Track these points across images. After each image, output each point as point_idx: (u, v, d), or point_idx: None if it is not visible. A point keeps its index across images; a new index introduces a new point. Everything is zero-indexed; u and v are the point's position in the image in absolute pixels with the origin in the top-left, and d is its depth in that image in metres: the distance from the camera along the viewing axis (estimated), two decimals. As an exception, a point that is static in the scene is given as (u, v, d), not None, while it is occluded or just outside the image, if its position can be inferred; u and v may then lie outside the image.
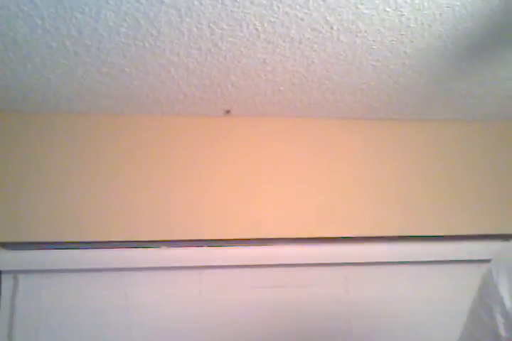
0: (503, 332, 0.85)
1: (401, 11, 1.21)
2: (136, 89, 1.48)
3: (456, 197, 1.73)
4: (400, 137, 1.78)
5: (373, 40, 1.31)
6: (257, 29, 1.24)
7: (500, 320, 0.85)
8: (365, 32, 1.28)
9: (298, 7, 1.17)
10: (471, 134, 1.82)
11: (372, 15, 1.21)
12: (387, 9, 1.19)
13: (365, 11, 1.20)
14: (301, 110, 1.68)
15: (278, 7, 1.16)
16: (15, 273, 1.50)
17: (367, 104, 1.66)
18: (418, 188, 1.72)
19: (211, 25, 1.21)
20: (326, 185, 1.68)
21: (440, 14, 1.23)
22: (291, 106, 1.65)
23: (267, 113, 1.69)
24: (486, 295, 0.89)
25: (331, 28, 1.25)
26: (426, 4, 1.19)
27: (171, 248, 1.54)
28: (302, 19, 1.21)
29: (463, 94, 1.63)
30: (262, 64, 1.39)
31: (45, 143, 1.58)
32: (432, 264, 1.66)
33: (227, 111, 1.67)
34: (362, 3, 1.17)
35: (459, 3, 1.19)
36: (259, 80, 1.47)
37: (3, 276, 1.50)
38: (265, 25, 1.22)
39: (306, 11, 1.18)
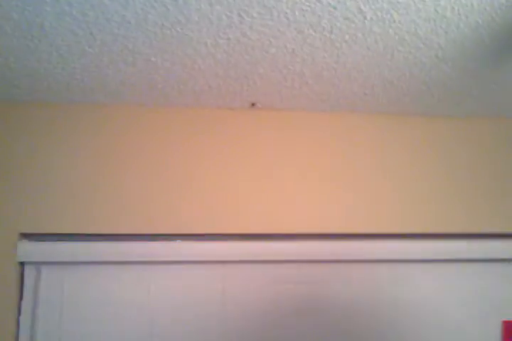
0: None
1: (438, 0, 1.16)
2: (161, 79, 1.46)
3: (494, 193, 1.69)
4: (429, 134, 1.73)
5: (407, 31, 1.27)
6: (287, 18, 1.20)
7: None
8: (399, 22, 1.24)
9: (331, -5, 1.13)
10: (508, 132, 1.76)
11: (408, 5, 1.17)
12: (424, -2, 1.15)
13: (401, 0, 1.16)
14: (328, 104, 1.65)
15: (310, -5, 1.13)
16: (38, 264, 1.50)
17: (396, 98, 1.62)
18: (451, 184, 1.68)
19: (241, 13, 1.18)
20: (352, 180, 1.65)
21: (478, 4, 1.18)
22: (319, 99, 1.61)
23: (293, 106, 1.66)
24: None
25: (364, 17, 1.21)
26: (464, -7, 1.14)
27: (195, 242, 1.52)
28: (335, 8, 1.17)
29: (498, 90, 1.57)
30: (290, 55, 1.35)
31: (68, 133, 1.57)
32: (467, 262, 1.62)
33: (253, 104, 1.64)
34: (398, -8, 1.13)
35: (499, -8, 1.14)
36: (287, 72, 1.44)
37: (26, 267, 1.49)
38: (296, 13, 1.19)
39: (339, -1, 1.14)
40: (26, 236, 1.49)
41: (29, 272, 1.49)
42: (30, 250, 1.47)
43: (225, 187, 1.58)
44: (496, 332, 1.60)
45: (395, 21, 1.23)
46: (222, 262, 1.53)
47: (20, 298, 1.47)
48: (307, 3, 1.15)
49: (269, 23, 1.22)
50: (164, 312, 1.49)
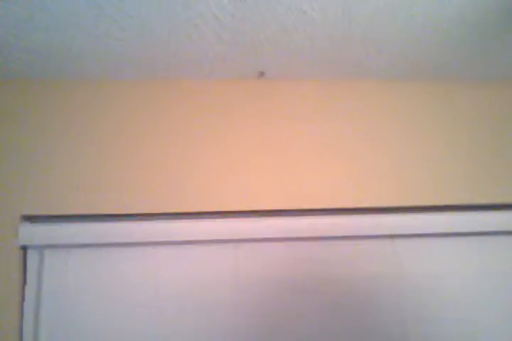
0: None
1: None
2: (162, 48, 1.36)
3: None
4: (451, 100, 1.62)
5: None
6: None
7: None
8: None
9: None
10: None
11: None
12: None
13: None
14: (341, 70, 1.54)
15: None
16: (41, 248, 1.42)
17: (413, 62, 1.51)
18: (470, 154, 1.57)
19: (244, -34, 1.08)
20: (368, 153, 1.55)
21: None
22: (331, 65, 1.51)
23: (304, 75, 1.56)
24: None
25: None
26: None
27: (205, 220, 1.44)
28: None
29: None
30: (301, 15, 1.25)
31: (72, 113, 1.49)
32: (489, 235, 1.52)
33: (262, 73, 1.55)
34: None
35: None
36: (297, 35, 1.34)
37: (29, 251, 1.42)
38: (305, -35, 1.09)
39: None
40: (28, 218, 1.41)
41: (32, 256, 1.42)
42: (32, 233, 1.40)
43: (234, 162, 1.49)
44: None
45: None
46: (235, 241, 1.45)
47: (24, 282, 1.40)
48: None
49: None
50: (173, 296, 1.41)
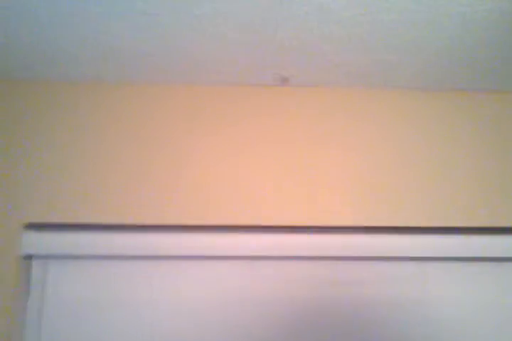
0: None
1: None
2: (173, 48, 1.29)
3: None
4: (484, 110, 1.49)
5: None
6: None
7: None
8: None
9: None
10: None
11: None
12: None
13: None
14: (367, 79, 1.43)
15: None
16: (45, 257, 1.36)
17: (447, 69, 1.38)
18: (499, 172, 1.43)
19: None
20: (397, 168, 1.42)
21: None
22: (355, 72, 1.40)
23: (329, 81, 1.45)
24: None
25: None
26: None
27: (215, 233, 1.34)
28: None
29: None
30: (322, 12, 1.15)
31: (75, 117, 1.43)
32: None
33: (285, 79, 1.45)
34: None
35: None
36: (321, 35, 1.24)
37: (32, 261, 1.36)
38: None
39: None
40: (32, 226, 1.35)
41: (35, 266, 1.35)
42: (36, 242, 1.33)
43: (251, 174, 1.40)
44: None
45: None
46: (248, 257, 1.34)
47: (27, 293, 1.33)
48: None
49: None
50: (176, 312, 1.31)
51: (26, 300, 1.33)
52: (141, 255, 1.33)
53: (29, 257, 1.35)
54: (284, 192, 1.38)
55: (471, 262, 1.38)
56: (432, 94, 1.49)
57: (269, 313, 1.32)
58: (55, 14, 1.14)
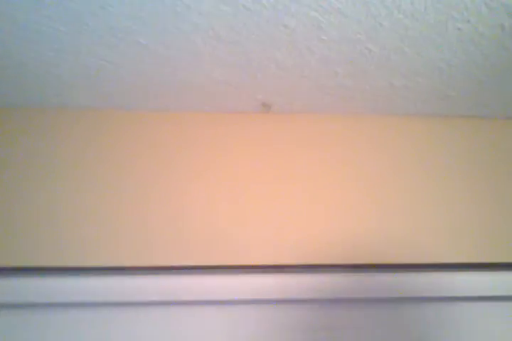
0: None
1: None
2: (157, 70, 1.18)
3: None
4: (489, 138, 1.42)
5: None
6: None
7: None
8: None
9: None
10: None
11: None
12: None
13: None
14: (361, 104, 1.35)
15: None
16: (-2, 307, 1.17)
17: (443, 92, 1.32)
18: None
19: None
20: (410, 199, 1.33)
21: None
22: (350, 97, 1.32)
23: (316, 107, 1.36)
24: None
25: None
26: None
27: (201, 275, 1.19)
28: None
29: None
30: (315, 29, 1.07)
31: (52, 150, 1.28)
32: None
33: (265, 105, 1.35)
34: None
35: None
36: (310, 56, 1.15)
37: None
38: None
39: None
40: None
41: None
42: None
43: (242, 208, 1.27)
44: None
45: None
46: (240, 302, 1.19)
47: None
48: None
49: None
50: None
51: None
52: (118, 301, 1.16)
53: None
54: (286, 229, 1.25)
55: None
56: (430, 119, 1.42)
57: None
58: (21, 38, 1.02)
